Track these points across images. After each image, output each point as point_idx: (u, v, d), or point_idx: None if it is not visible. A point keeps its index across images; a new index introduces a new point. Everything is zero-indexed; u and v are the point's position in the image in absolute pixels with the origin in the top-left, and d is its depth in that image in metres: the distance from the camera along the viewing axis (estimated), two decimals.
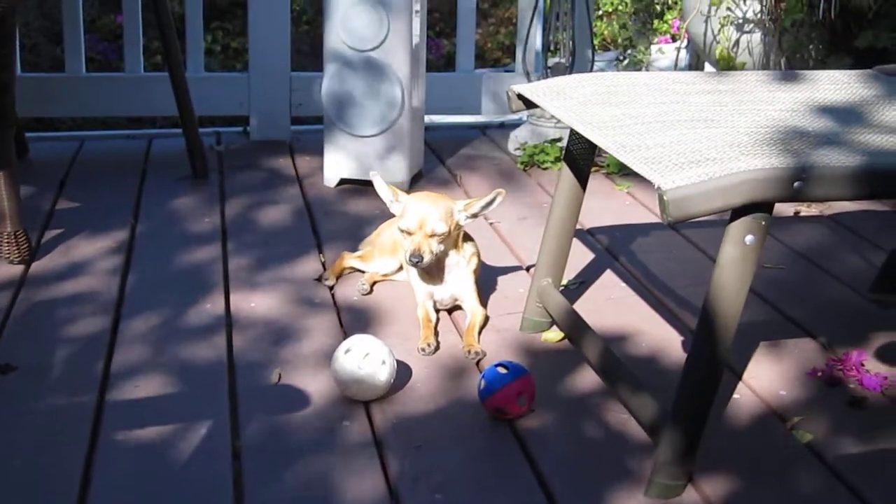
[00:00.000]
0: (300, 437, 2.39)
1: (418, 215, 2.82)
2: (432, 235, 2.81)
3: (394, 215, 2.93)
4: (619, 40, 5.68)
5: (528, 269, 3.33)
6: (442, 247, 2.84)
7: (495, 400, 2.43)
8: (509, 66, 6.80)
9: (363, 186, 4.04)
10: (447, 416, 2.50)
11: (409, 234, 2.82)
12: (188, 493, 2.20)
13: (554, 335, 2.86)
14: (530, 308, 2.89)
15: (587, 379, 2.65)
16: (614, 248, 3.52)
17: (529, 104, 2.63)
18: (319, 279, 3.21)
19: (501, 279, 3.25)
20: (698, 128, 2.22)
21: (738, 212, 2.01)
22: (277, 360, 2.72)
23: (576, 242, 2.96)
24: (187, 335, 2.86)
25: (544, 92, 2.58)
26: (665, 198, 1.92)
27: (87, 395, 2.53)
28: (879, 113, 2.42)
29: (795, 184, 1.97)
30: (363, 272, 3.21)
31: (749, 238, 2.01)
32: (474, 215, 2.87)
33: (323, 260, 3.39)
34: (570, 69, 4.49)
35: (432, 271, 2.91)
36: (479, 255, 3.00)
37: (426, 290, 2.95)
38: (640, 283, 3.25)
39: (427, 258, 2.81)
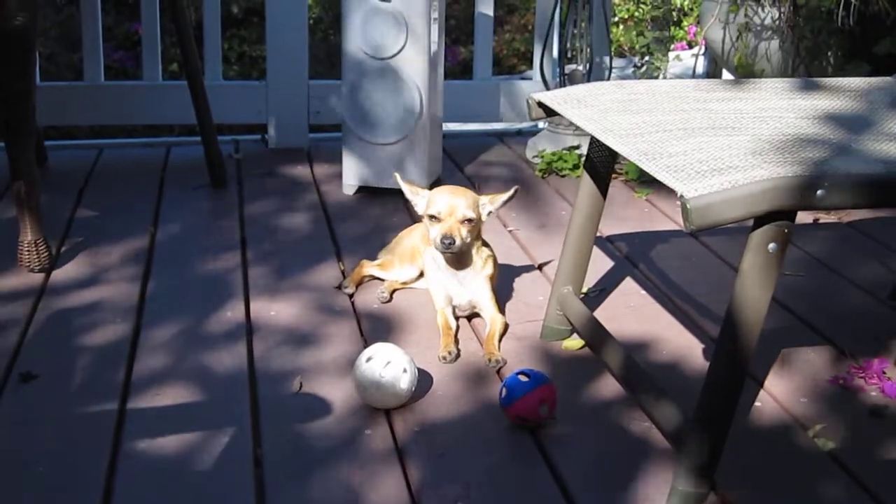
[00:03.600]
0: (321, 445, 2.39)
1: (447, 202, 2.84)
2: (462, 221, 2.82)
3: (413, 223, 2.94)
4: (636, 47, 5.66)
5: (539, 267, 3.34)
6: (469, 236, 2.85)
7: (517, 408, 2.43)
8: (525, 73, 6.80)
9: (381, 194, 4.05)
10: (469, 424, 2.50)
11: (439, 220, 2.83)
12: (209, 500, 2.20)
13: (574, 343, 2.86)
14: (551, 316, 2.89)
15: (608, 387, 2.65)
16: (634, 256, 3.51)
17: (549, 112, 2.63)
18: (339, 287, 3.21)
19: (521, 287, 3.25)
20: (720, 135, 2.22)
21: (760, 220, 2.01)
22: (298, 368, 2.73)
23: (595, 250, 2.96)
24: (208, 343, 2.87)
25: (564, 100, 2.58)
26: (688, 206, 1.92)
27: (109, 403, 2.54)
28: None
29: (818, 192, 1.96)
30: (383, 280, 3.21)
31: (772, 246, 2.01)
32: (495, 210, 2.91)
33: (342, 268, 3.39)
34: (587, 76, 4.49)
35: (459, 260, 2.92)
36: (495, 260, 3.00)
37: (445, 295, 2.95)
38: (660, 290, 3.24)
39: (458, 242, 2.81)
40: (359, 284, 3.22)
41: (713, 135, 2.22)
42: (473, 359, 2.80)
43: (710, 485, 2.17)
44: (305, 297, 3.16)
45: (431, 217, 2.86)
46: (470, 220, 2.84)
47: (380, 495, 2.21)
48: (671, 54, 5.45)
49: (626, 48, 6.49)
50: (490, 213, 2.91)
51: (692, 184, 1.95)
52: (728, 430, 2.13)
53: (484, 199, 2.91)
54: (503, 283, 3.17)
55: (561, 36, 4.59)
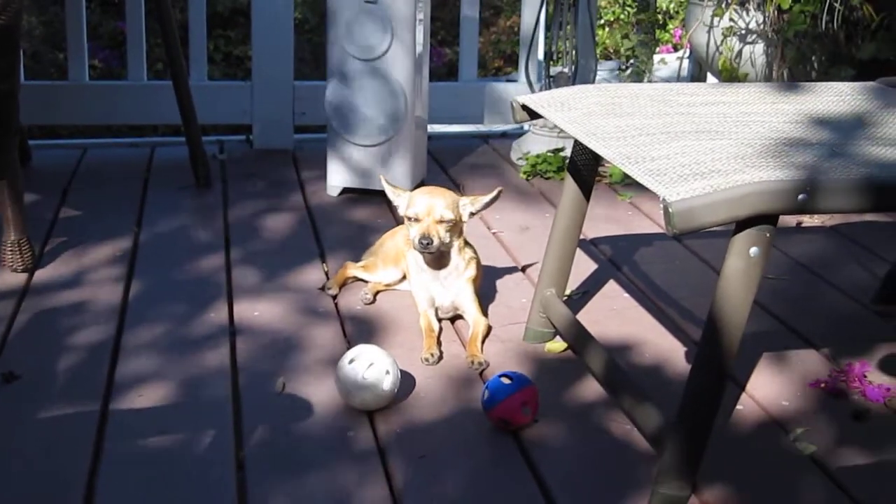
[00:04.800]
0: (304, 447, 2.39)
1: (426, 202, 2.86)
2: (440, 221, 2.83)
3: (397, 224, 2.94)
4: (622, 50, 5.68)
5: (523, 269, 3.37)
6: (448, 237, 2.86)
7: (499, 410, 2.44)
8: (511, 75, 6.81)
9: (366, 195, 4.05)
10: (451, 426, 2.50)
11: (418, 220, 2.84)
12: (192, 502, 2.20)
13: (557, 345, 2.86)
14: (533, 318, 2.90)
15: (590, 389, 2.65)
16: (617, 259, 3.52)
17: (533, 115, 2.63)
18: (323, 288, 3.21)
19: (504, 289, 3.25)
20: (703, 139, 2.23)
21: (742, 224, 2.01)
22: (281, 370, 2.73)
23: (579, 252, 2.97)
24: (191, 344, 2.86)
25: (549, 103, 2.58)
26: (670, 210, 1.92)
27: (91, 405, 2.54)
28: (883, 125, 2.42)
29: (800, 196, 1.97)
30: (366, 282, 3.21)
31: (753, 250, 2.01)
32: (477, 211, 2.90)
33: (326, 269, 3.39)
34: (572, 79, 4.50)
35: (439, 261, 2.93)
36: (478, 262, 3.01)
37: (428, 297, 2.95)
38: (642, 293, 3.25)
39: (436, 242, 2.82)
40: (342, 286, 3.22)
41: (696, 138, 2.23)
42: (456, 361, 2.80)
43: (692, 487, 2.18)
44: (289, 299, 3.15)
45: (410, 218, 2.87)
46: (448, 221, 2.84)
47: (362, 497, 2.21)
48: (656, 57, 5.46)
49: (611, 51, 6.50)
50: (472, 213, 2.91)
51: (675, 187, 1.95)
52: (709, 433, 2.13)
53: (465, 199, 2.91)
54: (486, 285, 3.17)
55: (546, 38, 4.60)
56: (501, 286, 3.27)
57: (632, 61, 5.07)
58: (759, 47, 4.34)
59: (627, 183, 4.25)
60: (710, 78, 4.81)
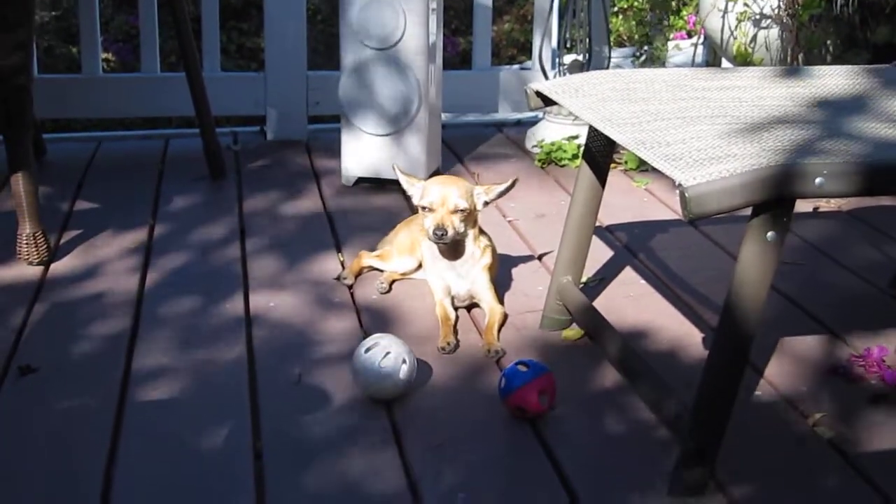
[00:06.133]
0: (321, 437, 2.39)
1: (440, 192, 2.84)
2: (455, 211, 2.82)
3: (412, 213, 2.93)
4: (636, 36, 5.66)
5: (539, 257, 3.36)
6: (463, 226, 2.85)
7: (516, 398, 2.43)
8: (525, 63, 6.79)
9: (381, 185, 4.04)
10: (468, 414, 2.50)
11: (432, 210, 2.83)
12: (210, 492, 2.20)
13: (574, 333, 2.85)
14: (550, 306, 2.89)
15: (608, 376, 2.65)
16: (633, 245, 3.51)
17: (548, 101, 2.62)
18: (338, 278, 3.21)
19: (520, 277, 3.25)
20: (718, 124, 2.22)
21: (759, 208, 2.00)
22: (298, 360, 2.73)
23: (595, 239, 2.96)
24: (207, 335, 2.86)
25: (563, 89, 2.57)
26: (686, 195, 1.91)
27: (108, 396, 2.54)
28: None
29: (817, 180, 1.96)
30: (382, 271, 3.21)
31: (770, 234, 2.01)
32: (491, 200, 2.90)
33: (342, 259, 3.39)
34: (586, 66, 4.48)
35: (454, 251, 2.92)
36: (493, 250, 3.00)
37: (444, 286, 2.95)
38: (659, 279, 3.24)
39: (450, 233, 2.81)
40: (358, 276, 3.22)
41: (711, 123, 2.22)
42: (473, 349, 2.80)
43: (710, 473, 2.17)
44: (304, 289, 3.15)
45: (424, 208, 2.86)
46: (462, 210, 2.83)
47: (379, 486, 2.21)
48: (670, 44, 5.44)
49: (625, 38, 6.48)
50: (486, 203, 2.90)
51: (690, 172, 1.94)
52: (728, 419, 2.13)
53: (479, 188, 2.90)
54: (503, 273, 3.16)
55: (560, 26, 4.58)
56: (517, 274, 3.26)
57: (646, 48, 5.04)
58: (774, 32, 4.33)
59: (643, 169, 4.24)
60: (725, 63, 4.79)
